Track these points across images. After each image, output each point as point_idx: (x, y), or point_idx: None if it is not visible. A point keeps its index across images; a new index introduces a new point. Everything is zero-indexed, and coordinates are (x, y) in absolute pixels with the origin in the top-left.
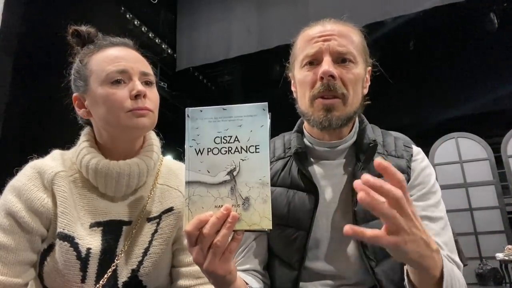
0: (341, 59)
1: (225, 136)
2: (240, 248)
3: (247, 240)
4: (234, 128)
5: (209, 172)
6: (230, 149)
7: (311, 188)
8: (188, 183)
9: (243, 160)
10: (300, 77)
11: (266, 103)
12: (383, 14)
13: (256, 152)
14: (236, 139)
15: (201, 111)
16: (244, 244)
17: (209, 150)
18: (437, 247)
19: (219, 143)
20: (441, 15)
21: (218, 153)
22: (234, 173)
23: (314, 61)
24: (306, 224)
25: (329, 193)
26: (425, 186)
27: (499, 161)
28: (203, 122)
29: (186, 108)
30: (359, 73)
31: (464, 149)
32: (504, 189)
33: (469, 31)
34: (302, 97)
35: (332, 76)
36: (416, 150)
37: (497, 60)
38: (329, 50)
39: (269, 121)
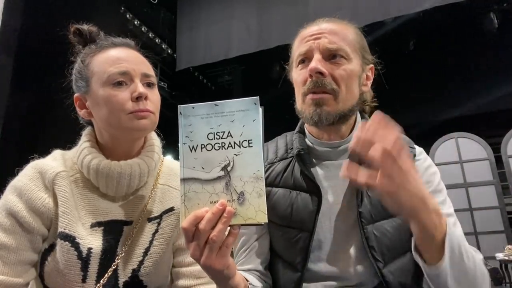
0: (331, 56)
1: (218, 132)
2: (242, 248)
3: (250, 241)
4: (226, 124)
5: (203, 168)
6: (223, 144)
7: (314, 189)
8: (184, 180)
9: (236, 155)
10: (294, 76)
11: (258, 97)
12: (383, 14)
13: (249, 146)
14: (229, 134)
15: (193, 108)
16: (246, 244)
17: (203, 146)
18: (436, 208)
19: (212, 139)
20: (441, 15)
21: (211, 149)
22: (228, 168)
23: (305, 60)
24: (309, 226)
25: (332, 194)
26: (431, 185)
27: (499, 161)
28: (196, 119)
29: (178, 106)
30: (353, 69)
31: (464, 149)
32: (504, 189)
33: (469, 31)
34: (297, 95)
35: (321, 73)
36: (419, 150)
37: (497, 60)
38: (319, 48)
39: (261, 115)
